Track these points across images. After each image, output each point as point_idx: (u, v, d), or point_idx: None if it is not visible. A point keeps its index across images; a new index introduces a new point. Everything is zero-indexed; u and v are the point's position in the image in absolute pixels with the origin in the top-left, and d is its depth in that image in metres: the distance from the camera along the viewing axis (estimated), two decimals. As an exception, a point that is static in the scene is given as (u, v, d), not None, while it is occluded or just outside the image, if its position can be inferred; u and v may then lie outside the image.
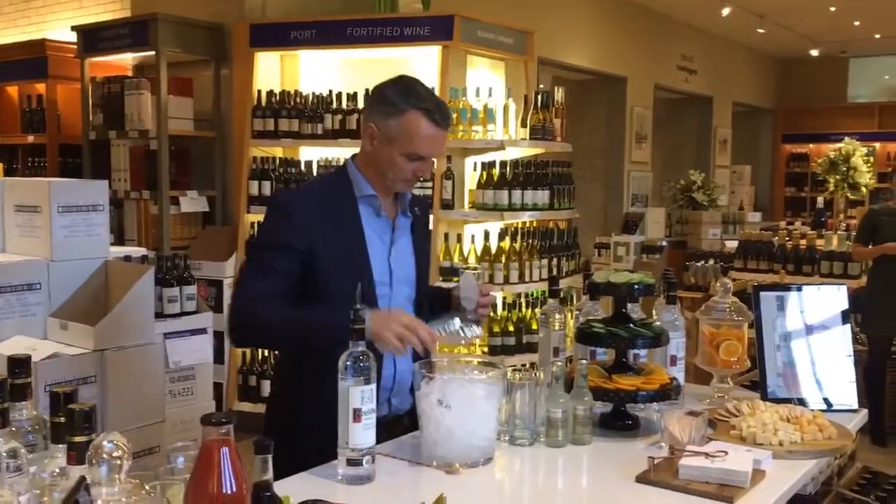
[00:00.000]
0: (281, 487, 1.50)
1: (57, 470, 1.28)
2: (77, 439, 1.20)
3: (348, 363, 1.82)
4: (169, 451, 1.51)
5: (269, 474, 1.38)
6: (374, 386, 1.84)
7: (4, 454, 1.23)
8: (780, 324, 2.56)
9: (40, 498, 1.26)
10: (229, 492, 1.29)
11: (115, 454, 1.13)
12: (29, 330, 2.76)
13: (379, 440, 1.93)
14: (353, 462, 1.83)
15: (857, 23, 10.52)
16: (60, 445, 1.29)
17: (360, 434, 1.81)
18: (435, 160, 2.30)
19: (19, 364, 1.47)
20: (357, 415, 1.80)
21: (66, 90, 5.88)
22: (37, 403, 1.59)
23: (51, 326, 2.81)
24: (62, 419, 1.28)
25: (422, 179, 2.32)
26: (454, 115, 4.46)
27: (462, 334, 2.26)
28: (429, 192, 4.50)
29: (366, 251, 2.19)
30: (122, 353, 2.75)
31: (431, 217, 4.47)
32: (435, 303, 2.41)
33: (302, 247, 2.11)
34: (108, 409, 2.70)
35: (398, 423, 2.25)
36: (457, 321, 2.29)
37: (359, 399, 1.81)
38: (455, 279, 2.39)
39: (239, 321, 2.16)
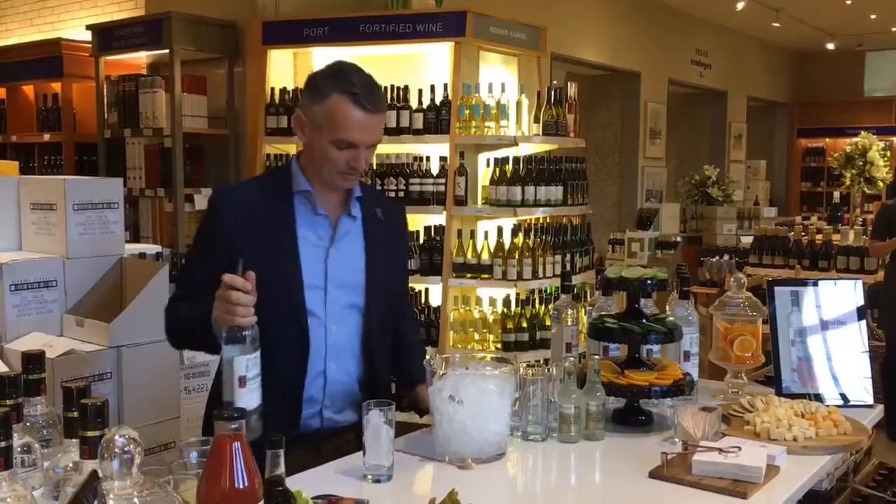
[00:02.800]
0: (294, 482, 1.50)
1: (70, 464, 1.29)
2: (90, 434, 1.21)
3: (224, 333, 1.80)
4: (182, 446, 1.52)
5: (282, 469, 1.39)
6: (257, 354, 1.79)
7: (19, 449, 1.24)
8: (795, 319, 2.55)
9: (54, 492, 1.28)
10: (242, 486, 1.29)
11: (126, 448, 1.14)
12: (45, 327, 2.79)
13: (312, 457, 1.96)
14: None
15: (873, 16, 10.43)
16: (74, 440, 1.30)
17: (247, 397, 1.76)
18: (373, 150, 2.07)
19: (33, 360, 1.49)
20: (242, 381, 1.76)
21: (81, 89, 5.91)
22: (54, 401, 1.60)
23: (67, 323, 2.83)
24: (75, 414, 1.29)
25: (366, 173, 2.18)
26: (466, 112, 4.46)
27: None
28: (442, 188, 4.50)
29: (295, 251, 2.05)
30: (138, 349, 2.77)
31: (444, 214, 4.49)
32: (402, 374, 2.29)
33: (227, 247, 1.99)
34: (123, 405, 2.72)
35: (339, 436, 2.11)
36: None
37: (243, 368, 1.76)
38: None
39: (165, 328, 2.15)
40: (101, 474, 1.09)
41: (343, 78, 2.00)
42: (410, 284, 4.55)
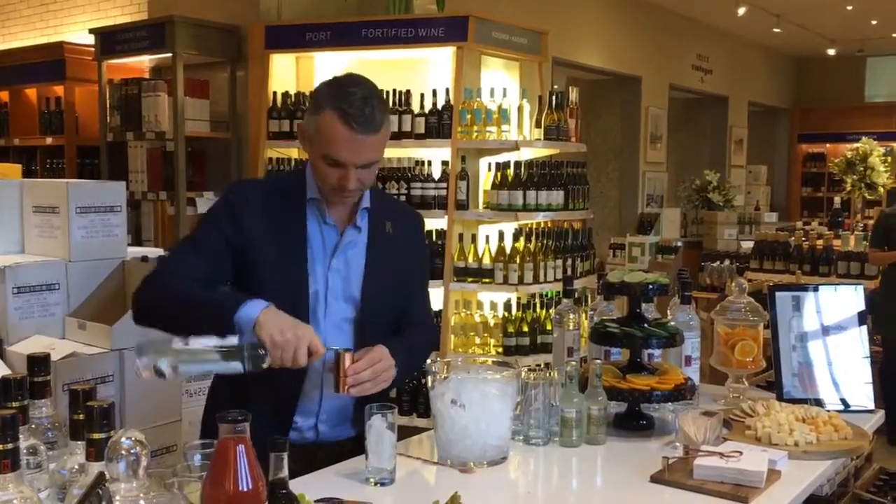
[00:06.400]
0: (296, 485, 1.51)
1: (76, 466, 1.30)
2: (96, 436, 1.21)
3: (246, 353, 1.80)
4: (186, 448, 1.53)
5: (285, 472, 1.40)
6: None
7: (24, 451, 1.25)
8: (796, 324, 2.55)
9: (59, 494, 1.28)
10: (246, 489, 1.30)
11: (132, 450, 1.15)
12: (48, 329, 2.79)
13: (303, 469, 1.86)
14: None
15: (874, 22, 10.45)
16: (79, 442, 1.31)
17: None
18: (369, 170, 2.00)
19: (39, 362, 1.49)
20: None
21: (83, 92, 5.93)
22: (56, 403, 1.60)
23: (69, 326, 2.84)
24: (81, 416, 1.30)
25: (367, 190, 2.06)
26: (468, 116, 4.47)
27: None
28: (443, 192, 4.51)
29: (304, 257, 2.02)
30: (140, 352, 2.77)
31: (446, 218, 4.49)
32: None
33: (236, 241, 1.99)
34: (125, 408, 2.72)
35: (336, 448, 2.08)
36: None
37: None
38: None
39: (144, 294, 1.99)
40: (107, 476, 1.10)
41: (340, 93, 1.93)
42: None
